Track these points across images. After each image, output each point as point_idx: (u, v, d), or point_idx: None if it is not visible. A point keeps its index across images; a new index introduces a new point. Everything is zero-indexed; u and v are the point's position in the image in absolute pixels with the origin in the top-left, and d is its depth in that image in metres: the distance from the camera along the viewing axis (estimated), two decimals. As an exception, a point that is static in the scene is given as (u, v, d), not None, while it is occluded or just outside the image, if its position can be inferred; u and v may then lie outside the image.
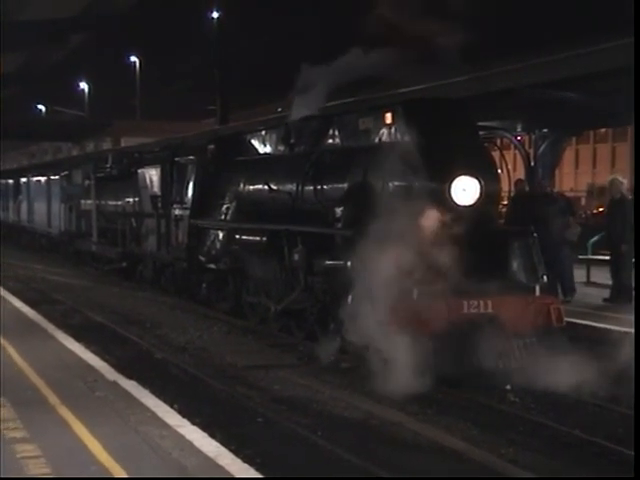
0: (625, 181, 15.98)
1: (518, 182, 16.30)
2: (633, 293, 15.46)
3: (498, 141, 14.06)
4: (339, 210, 12.44)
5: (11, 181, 43.82)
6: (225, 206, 16.62)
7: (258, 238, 14.65)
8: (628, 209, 15.08)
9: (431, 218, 10.66)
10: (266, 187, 14.68)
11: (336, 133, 13.80)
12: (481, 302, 10.70)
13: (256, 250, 14.82)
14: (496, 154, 12.93)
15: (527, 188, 16.42)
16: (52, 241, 33.74)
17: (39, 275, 25.30)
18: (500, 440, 8.87)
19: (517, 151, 15.60)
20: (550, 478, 7.81)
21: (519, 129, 20.51)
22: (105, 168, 26.78)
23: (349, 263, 11.32)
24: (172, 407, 8.73)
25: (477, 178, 11.10)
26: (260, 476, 6.42)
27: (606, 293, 15.52)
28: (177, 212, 18.57)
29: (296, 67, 15.32)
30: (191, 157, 18.27)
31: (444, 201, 10.91)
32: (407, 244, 10.41)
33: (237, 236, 15.63)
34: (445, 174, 10.97)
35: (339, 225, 12.37)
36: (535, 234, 11.74)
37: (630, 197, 15.59)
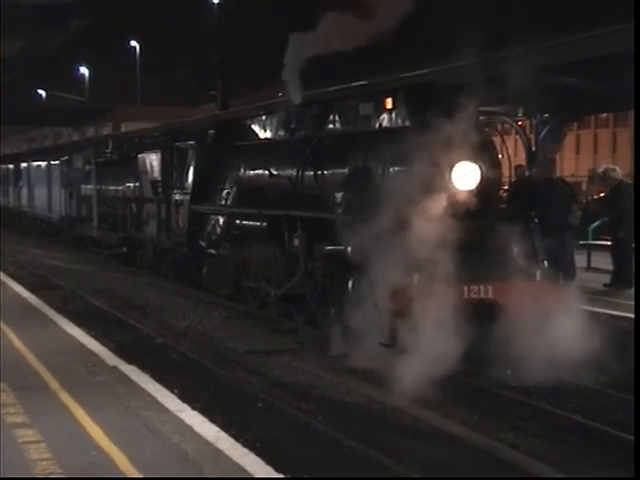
0: (617, 168, 15.99)
1: (518, 168, 16.27)
2: (633, 278, 15.46)
3: (499, 126, 14.04)
4: (339, 195, 12.43)
5: (11, 166, 43.79)
6: (225, 191, 16.61)
7: (258, 223, 14.64)
8: (627, 194, 15.07)
9: (431, 203, 10.63)
10: (266, 172, 14.66)
11: (336, 118, 13.77)
12: (481, 287, 10.69)
13: (256, 235, 14.82)
14: (497, 139, 12.89)
15: (527, 173, 16.39)
16: (52, 226, 33.75)
17: (39, 260, 25.31)
18: (500, 425, 8.89)
19: (518, 136, 15.57)
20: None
21: (520, 114, 20.46)
22: (105, 153, 26.80)
23: (349, 248, 11.31)
24: (172, 392, 8.73)
25: (477, 163, 11.07)
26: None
27: (607, 278, 15.51)
28: (177, 197, 18.56)
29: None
30: (191, 142, 18.26)
31: (444, 186, 10.88)
32: (407, 229, 10.39)
33: (237, 221, 15.62)
34: (445, 159, 10.93)
35: (339, 210, 12.36)
36: (536, 219, 11.72)
37: (630, 182, 15.57)
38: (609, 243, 16.27)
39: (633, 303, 12.68)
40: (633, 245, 15.59)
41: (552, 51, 17.53)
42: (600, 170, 16.82)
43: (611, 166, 16.36)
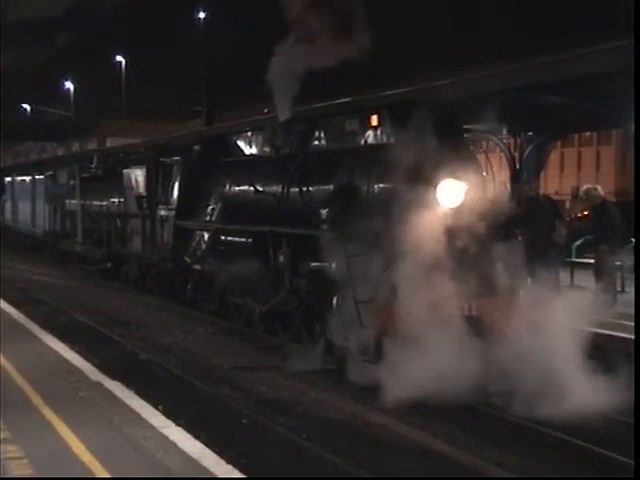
0: (599, 187, 16.10)
1: (523, 185, 16.01)
2: (616, 296, 15.52)
3: (484, 144, 14.08)
4: (324, 212, 12.44)
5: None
6: (210, 207, 16.60)
7: (243, 239, 14.65)
8: (612, 212, 15.17)
9: (415, 221, 10.66)
10: (252, 188, 14.67)
11: (322, 135, 13.82)
12: (465, 305, 10.71)
13: (241, 251, 14.82)
14: (481, 157, 12.94)
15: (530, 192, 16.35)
16: (37, 241, 33.64)
17: (23, 275, 25.21)
18: (484, 442, 8.89)
19: (502, 154, 15.63)
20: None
21: (505, 132, 20.52)
22: (90, 168, 26.77)
23: (334, 265, 11.32)
24: (156, 408, 8.71)
25: (462, 181, 11.12)
26: (243, 476, 6.43)
27: (590, 296, 15.53)
28: (162, 213, 18.54)
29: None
30: (176, 158, 18.26)
31: (429, 204, 10.92)
32: (392, 246, 10.42)
33: (222, 237, 15.62)
34: (430, 177, 10.98)
35: (324, 227, 12.37)
36: (520, 237, 11.76)
37: (613, 200, 15.68)
38: (592, 261, 16.33)
39: (615, 321, 12.76)
40: (617, 263, 15.68)
41: (536, 70, 17.62)
42: (582, 191, 16.90)
43: (591, 185, 16.46)
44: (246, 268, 14.72)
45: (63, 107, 72.99)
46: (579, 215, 30.35)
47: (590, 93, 15.90)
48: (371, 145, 12.42)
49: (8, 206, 39.69)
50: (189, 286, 17.71)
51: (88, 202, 25.67)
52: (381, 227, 10.58)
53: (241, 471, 6.75)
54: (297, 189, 13.41)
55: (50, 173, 31.16)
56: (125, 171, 21.21)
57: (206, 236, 16.60)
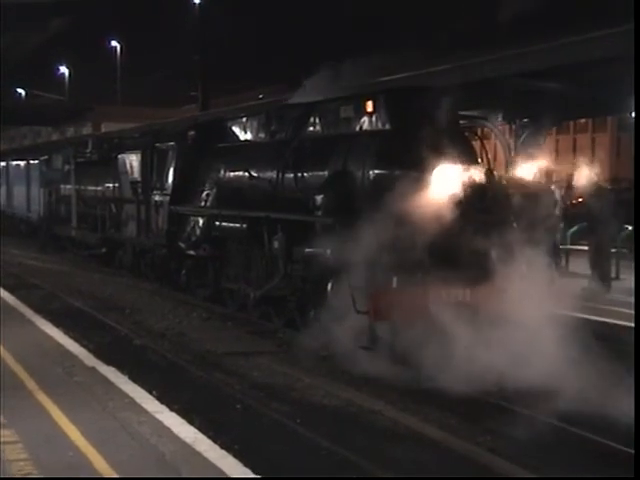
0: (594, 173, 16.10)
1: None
2: (611, 283, 15.56)
3: (479, 130, 14.07)
4: (319, 198, 12.43)
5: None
6: (205, 192, 16.58)
7: (238, 225, 14.64)
8: (607, 198, 15.19)
9: (410, 207, 10.65)
10: (246, 174, 14.66)
11: (317, 121, 13.79)
12: (460, 291, 10.72)
13: (236, 237, 14.82)
14: (477, 143, 12.93)
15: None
16: (31, 226, 33.58)
17: (18, 260, 25.18)
18: (477, 429, 8.90)
19: (497, 140, 15.62)
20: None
21: (500, 119, 20.52)
22: (85, 153, 26.72)
23: (329, 251, 11.32)
24: (151, 393, 8.72)
25: (457, 167, 11.10)
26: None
27: (584, 283, 15.58)
28: (157, 198, 18.51)
29: (278, 54, 15.26)
30: (171, 143, 18.22)
31: (424, 190, 10.91)
32: (387, 232, 10.41)
33: (217, 223, 15.61)
34: (425, 163, 10.97)
35: (319, 213, 12.37)
36: (515, 223, 11.74)
37: (608, 187, 15.69)
38: (586, 248, 16.36)
39: (609, 307, 12.78)
40: (613, 250, 15.72)
41: (532, 56, 17.61)
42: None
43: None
44: (241, 254, 14.72)
45: (58, 92, 72.75)
46: (574, 202, 30.30)
47: (588, 80, 15.90)
48: (366, 131, 12.40)
49: (3, 191, 39.59)
50: (183, 271, 17.71)
51: (83, 187, 25.64)
52: (376, 213, 10.56)
53: (235, 456, 6.76)
54: (292, 175, 13.39)
55: (45, 158, 31.10)
56: (120, 156, 21.17)
57: (201, 221, 16.58)
